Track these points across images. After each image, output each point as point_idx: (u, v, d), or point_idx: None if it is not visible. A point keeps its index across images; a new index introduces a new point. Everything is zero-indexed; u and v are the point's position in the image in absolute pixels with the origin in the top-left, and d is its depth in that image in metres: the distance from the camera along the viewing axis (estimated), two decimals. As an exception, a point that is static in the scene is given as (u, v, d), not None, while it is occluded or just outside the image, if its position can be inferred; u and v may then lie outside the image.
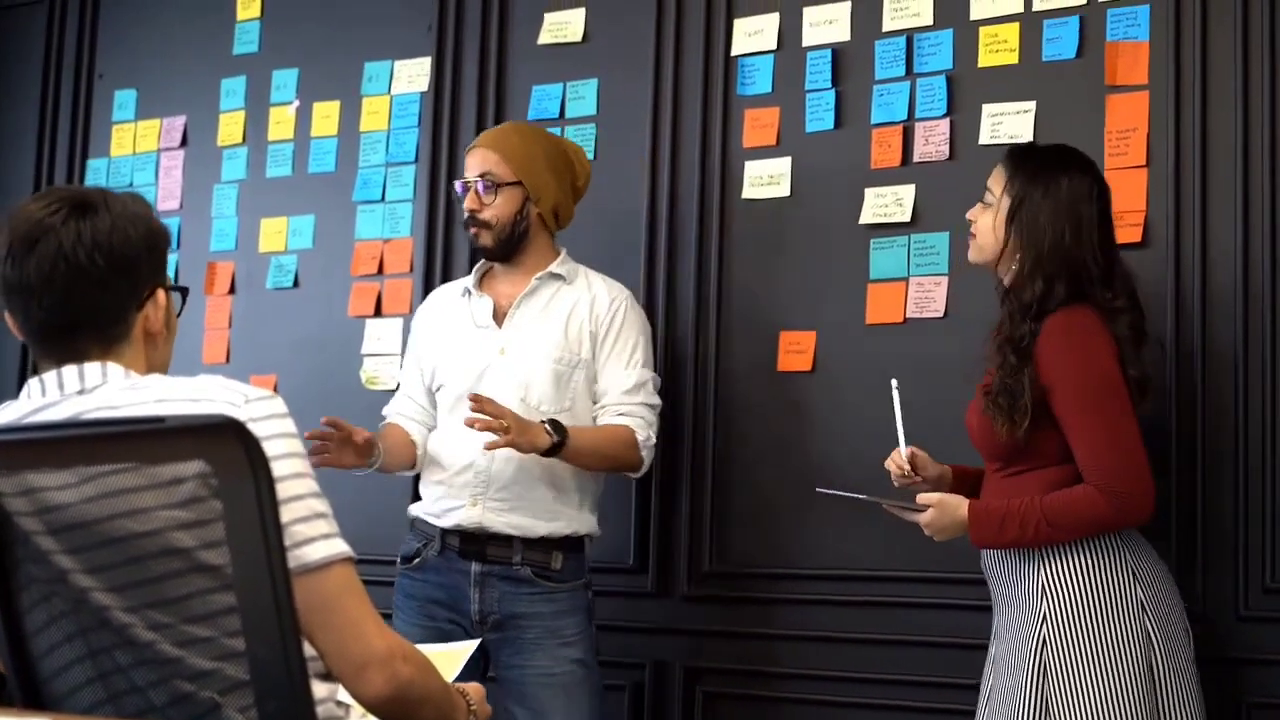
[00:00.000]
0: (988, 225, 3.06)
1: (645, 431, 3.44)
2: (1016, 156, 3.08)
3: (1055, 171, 3.00)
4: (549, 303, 3.50)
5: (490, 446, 3.23)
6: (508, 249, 3.50)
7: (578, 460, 3.37)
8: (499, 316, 3.51)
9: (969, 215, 3.12)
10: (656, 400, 3.50)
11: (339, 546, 1.89)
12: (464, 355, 3.47)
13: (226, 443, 1.71)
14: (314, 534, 1.87)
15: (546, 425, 3.29)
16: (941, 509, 2.95)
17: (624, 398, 3.45)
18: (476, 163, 3.51)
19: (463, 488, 3.41)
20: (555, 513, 3.42)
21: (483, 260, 3.58)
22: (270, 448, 1.77)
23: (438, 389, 3.54)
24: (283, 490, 1.78)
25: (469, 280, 3.59)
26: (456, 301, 3.59)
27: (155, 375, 2.00)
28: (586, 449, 3.37)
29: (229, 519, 1.73)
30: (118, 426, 1.80)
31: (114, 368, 1.96)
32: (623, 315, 3.50)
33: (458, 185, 3.57)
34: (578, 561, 3.46)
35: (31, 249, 1.93)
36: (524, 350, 3.44)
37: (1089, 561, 2.88)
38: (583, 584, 3.46)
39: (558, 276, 3.51)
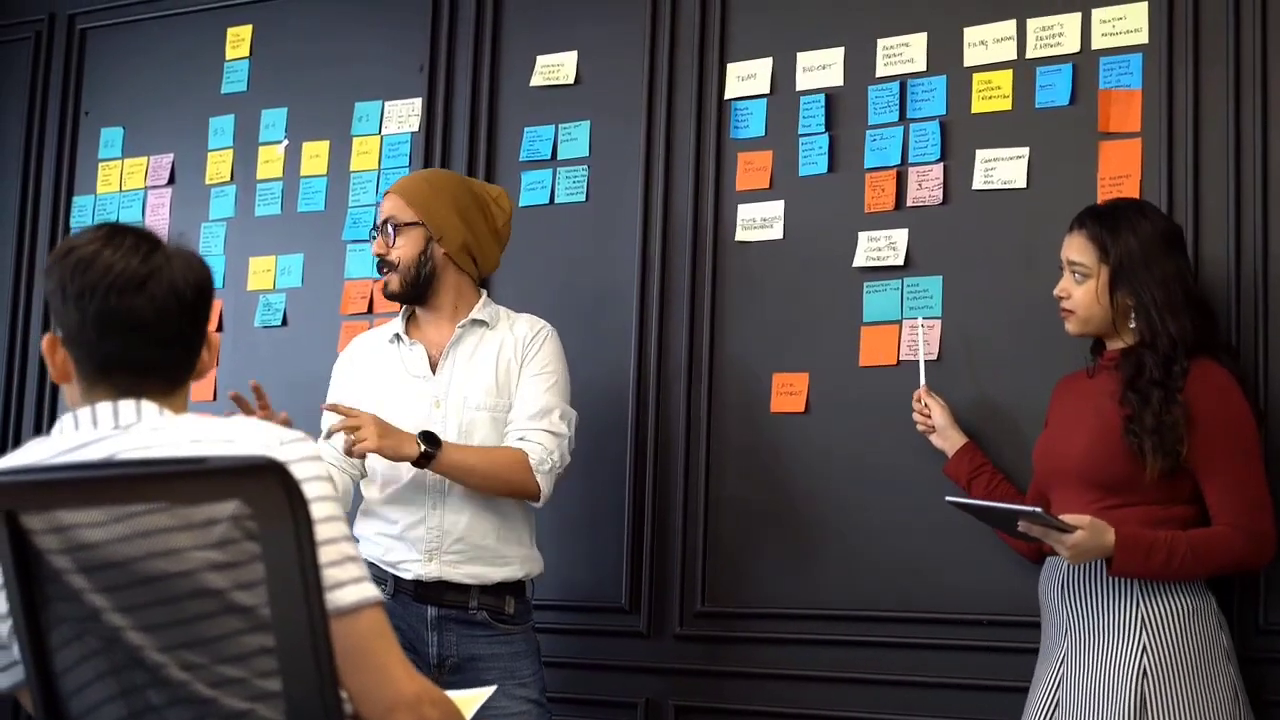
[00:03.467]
0: (1088, 297, 3.13)
1: (540, 455, 3.37)
2: (1093, 220, 3.14)
3: (1135, 219, 3.11)
4: (476, 349, 3.48)
5: (354, 450, 3.22)
6: (414, 291, 3.49)
7: (457, 476, 3.35)
8: (433, 366, 3.50)
9: (1057, 292, 3.17)
10: (563, 429, 3.43)
11: (370, 590, 1.90)
12: (401, 407, 3.44)
13: (267, 485, 1.71)
14: (346, 578, 1.88)
15: (418, 436, 3.27)
16: (1093, 531, 2.95)
17: (526, 422, 3.41)
18: (384, 209, 3.53)
19: (415, 543, 3.40)
20: (507, 558, 3.42)
21: (405, 305, 3.57)
22: (306, 490, 1.77)
23: None
24: (318, 533, 1.78)
25: (396, 326, 3.56)
26: (384, 349, 3.56)
27: (187, 415, 2.01)
28: (467, 465, 3.33)
29: (268, 561, 1.73)
30: (159, 467, 1.80)
31: (148, 406, 1.97)
32: (540, 343, 3.49)
33: (371, 233, 3.60)
34: (525, 604, 3.47)
35: (143, 286, 1.94)
36: (460, 400, 3.44)
37: (1187, 603, 2.98)
38: (530, 625, 3.48)
39: (480, 322, 3.51)
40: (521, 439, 3.39)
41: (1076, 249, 3.14)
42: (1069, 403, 3.21)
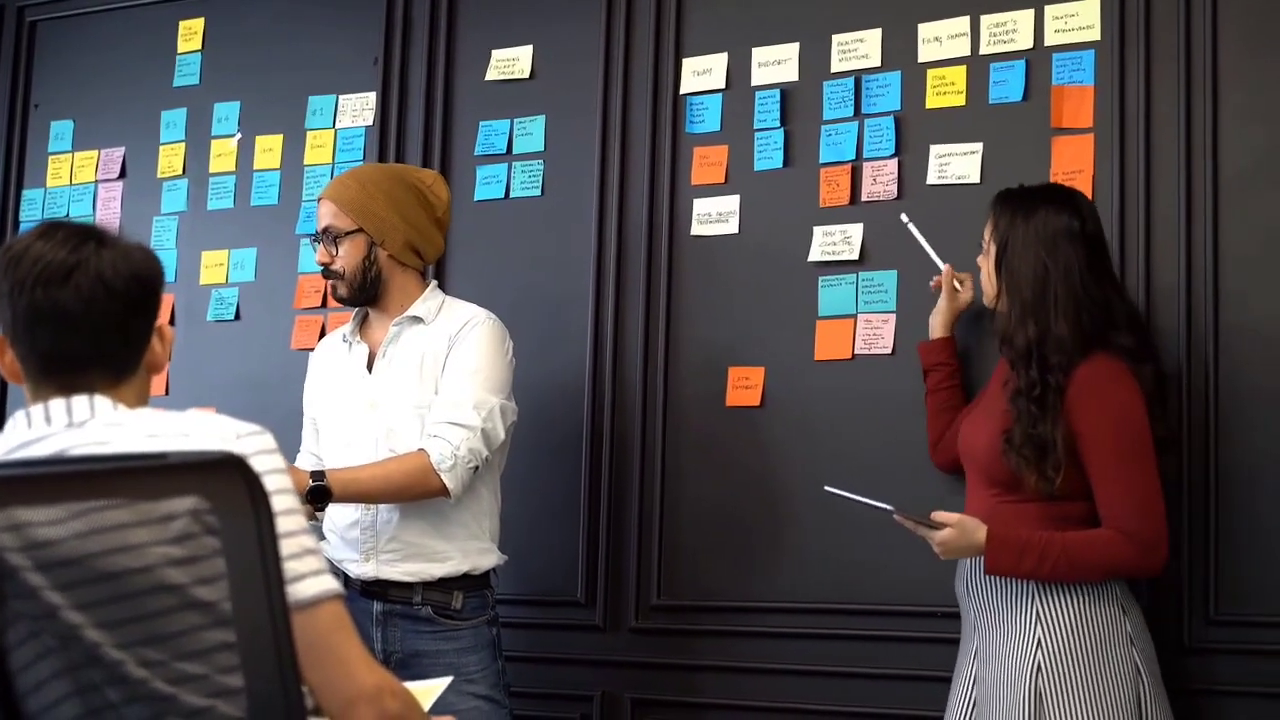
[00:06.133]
0: (985, 272, 3.15)
1: (441, 452, 3.27)
2: (1000, 199, 3.14)
3: (1031, 208, 3.06)
4: (409, 347, 3.45)
5: None
6: (363, 295, 3.48)
7: (363, 499, 3.32)
8: (372, 366, 3.48)
9: (978, 261, 3.20)
10: (472, 420, 3.31)
11: (330, 583, 1.90)
12: (342, 410, 3.46)
13: (228, 479, 1.71)
14: (305, 570, 1.88)
15: (310, 475, 3.21)
16: (961, 530, 2.94)
17: (436, 418, 3.35)
18: (320, 216, 3.50)
19: (353, 543, 3.40)
20: (447, 553, 3.38)
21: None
22: (265, 483, 1.77)
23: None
24: (277, 526, 1.78)
25: (348, 327, 3.56)
26: (339, 349, 3.56)
27: (143, 409, 2.00)
28: (363, 491, 3.28)
29: (228, 555, 1.73)
30: (119, 462, 1.79)
31: (102, 401, 1.95)
32: (467, 334, 3.42)
33: (309, 239, 3.58)
34: (480, 598, 3.44)
35: (68, 277, 1.92)
36: (390, 400, 3.41)
37: (1083, 591, 2.93)
38: (485, 620, 3.44)
39: (416, 319, 3.47)
40: (432, 436, 3.33)
41: (987, 222, 3.16)
42: (991, 389, 3.20)
